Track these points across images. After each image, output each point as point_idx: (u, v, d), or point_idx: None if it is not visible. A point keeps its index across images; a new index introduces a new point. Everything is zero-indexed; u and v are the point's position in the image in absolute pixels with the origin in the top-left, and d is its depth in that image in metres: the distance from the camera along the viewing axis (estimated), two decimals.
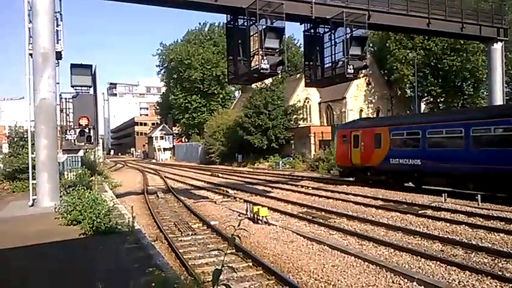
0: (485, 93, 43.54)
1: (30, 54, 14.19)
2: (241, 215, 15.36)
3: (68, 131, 15.61)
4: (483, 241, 10.74)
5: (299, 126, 49.43)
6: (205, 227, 13.52)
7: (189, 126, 75.40)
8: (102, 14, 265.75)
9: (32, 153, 14.38)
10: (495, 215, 13.86)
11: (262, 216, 13.59)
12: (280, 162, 43.63)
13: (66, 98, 16.01)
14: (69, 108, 16.03)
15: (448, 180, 18.53)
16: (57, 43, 14.88)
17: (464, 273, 8.18)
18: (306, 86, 31.68)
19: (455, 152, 18.13)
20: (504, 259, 9.02)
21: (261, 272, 8.52)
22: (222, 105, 72.68)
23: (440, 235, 11.46)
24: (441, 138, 19.34)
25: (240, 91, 75.42)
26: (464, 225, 12.36)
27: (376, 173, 23.06)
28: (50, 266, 7.23)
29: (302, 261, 9.31)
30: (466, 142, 17.61)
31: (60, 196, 13.30)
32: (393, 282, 7.79)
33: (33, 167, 14.23)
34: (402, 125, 22.09)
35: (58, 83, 14.84)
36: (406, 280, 7.77)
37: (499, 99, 21.93)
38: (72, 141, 15.47)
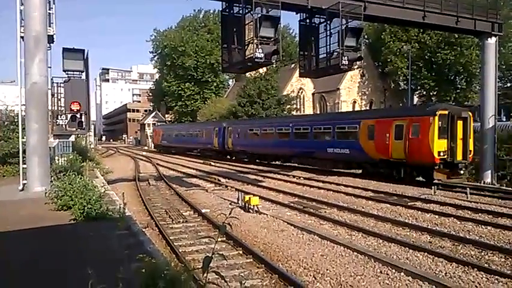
0: (477, 87, 43.80)
1: (22, 37, 13.96)
2: (232, 203, 15.41)
3: (59, 116, 15.47)
4: (471, 233, 10.91)
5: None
6: (197, 215, 13.56)
7: (182, 114, 75.04)
8: None
9: (23, 138, 14.24)
10: (483, 208, 14.06)
11: (254, 205, 13.66)
12: None
13: (57, 83, 15.86)
14: (60, 93, 15.87)
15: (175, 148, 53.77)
16: (50, 26, 14.67)
17: (451, 264, 8.32)
18: (300, 76, 31.44)
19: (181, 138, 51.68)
20: (491, 251, 9.18)
21: (251, 260, 8.59)
22: (216, 93, 72.37)
23: (429, 227, 11.62)
24: (172, 133, 56.23)
25: (234, 79, 75.09)
26: (452, 218, 12.54)
27: (161, 147, 58.42)
28: (40, 251, 7.21)
29: (292, 250, 9.39)
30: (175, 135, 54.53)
31: (51, 181, 13.23)
32: (381, 272, 7.89)
33: (24, 152, 14.11)
34: (164, 129, 61.13)
35: (50, 67, 14.67)
36: (394, 270, 7.88)
37: (491, 94, 22.01)
38: (64, 126, 15.35)
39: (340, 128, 25.21)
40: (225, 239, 9.71)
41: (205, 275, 3.04)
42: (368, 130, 22.65)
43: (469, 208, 14.03)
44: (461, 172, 19.56)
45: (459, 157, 19.35)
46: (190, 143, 48.47)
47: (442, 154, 18.98)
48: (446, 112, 19.51)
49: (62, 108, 15.61)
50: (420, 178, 20.55)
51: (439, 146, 19.00)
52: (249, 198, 13.91)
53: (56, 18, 15.15)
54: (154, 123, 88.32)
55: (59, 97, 15.88)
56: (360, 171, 24.31)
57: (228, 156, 40.15)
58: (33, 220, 9.37)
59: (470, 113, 20.34)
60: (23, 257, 6.85)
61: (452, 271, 7.98)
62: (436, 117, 19.11)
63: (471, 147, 19.98)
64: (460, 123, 19.57)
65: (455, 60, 45.59)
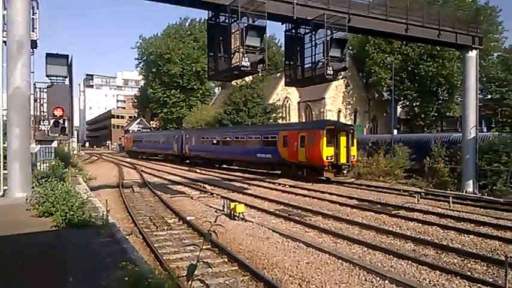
0: (459, 98, 44.64)
1: (4, 42, 13.75)
2: (217, 211, 15.34)
3: (41, 122, 15.23)
4: (453, 242, 11.06)
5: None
6: (181, 222, 13.44)
7: (167, 121, 74.54)
8: (81, 3, 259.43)
9: (4, 143, 13.94)
10: (466, 217, 14.27)
11: (239, 213, 13.62)
12: None
13: (40, 88, 15.63)
14: (43, 98, 15.65)
15: (143, 154, 57.74)
16: (33, 31, 14.48)
17: (434, 272, 8.41)
18: (285, 85, 31.83)
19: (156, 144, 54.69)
20: (473, 260, 9.31)
21: (236, 267, 8.54)
22: (202, 101, 72.17)
23: (413, 235, 11.74)
24: (140, 139, 62.13)
25: (220, 87, 75.05)
26: (435, 226, 12.70)
27: (132, 152, 60.63)
28: (20, 258, 7.04)
29: (277, 257, 9.37)
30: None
31: (32, 187, 12.93)
32: (366, 280, 7.93)
33: (5, 157, 13.81)
34: (134, 136, 67.51)
35: (33, 72, 14.45)
36: (378, 278, 7.92)
37: (472, 105, 22.45)
38: (46, 131, 15.12)
39: (265, 138, 30.91)
40: (210, 246, 9.65)
41: (189, 283, 3.01)
42: (283, 139, 28.16)
43: (451, 217, 14.23)
44: (345, 172, 25.92)
45: (343, 160, 25.11)
46: (155, 148, 54.31)
47: (329, 158, 24.76)
48: (333, 127, 25.83)
49: (45, 114, 15.38)
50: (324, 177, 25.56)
51: (327, 152, 24.70)
52: (235, 205, 13.87)
53: (39, 23, 15.01)
54: (139, 130, 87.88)
55: (42, 102, 15.65)
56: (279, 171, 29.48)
57: (187, 161, 44.57)
58: (14, 226, 9.13)
59: (352, 128, 26.83)
60: (1, 264, 6.67)
61: (435, 279, 8.06)
62: (325, 131, 24.98)
63: (354, 153, 25.75)
64: (343, 135, 25.26)
65: (437, 72, 46.43)
